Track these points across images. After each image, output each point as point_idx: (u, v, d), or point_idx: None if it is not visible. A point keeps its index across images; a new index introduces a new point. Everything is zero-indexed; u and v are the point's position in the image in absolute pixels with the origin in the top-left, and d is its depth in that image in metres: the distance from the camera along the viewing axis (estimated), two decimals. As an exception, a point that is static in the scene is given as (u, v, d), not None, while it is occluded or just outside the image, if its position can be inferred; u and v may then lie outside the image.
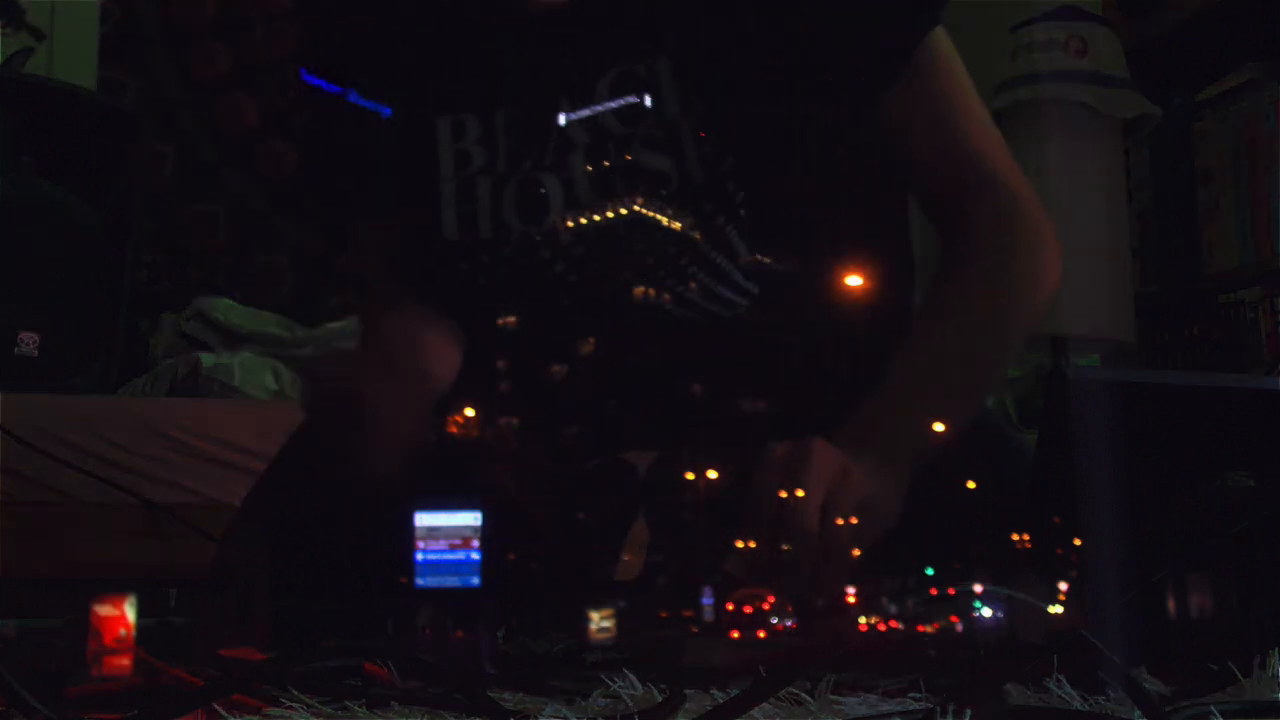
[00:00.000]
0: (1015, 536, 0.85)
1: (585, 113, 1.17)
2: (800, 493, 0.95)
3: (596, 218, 1.16)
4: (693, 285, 1.20)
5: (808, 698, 0.68)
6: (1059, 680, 0.72)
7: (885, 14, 1.18)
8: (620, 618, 0.88)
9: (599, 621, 0.87)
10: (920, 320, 1.19)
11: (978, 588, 0.84)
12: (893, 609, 0.90)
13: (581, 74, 1.17)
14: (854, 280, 1.20)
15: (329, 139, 1.33)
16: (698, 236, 1.19)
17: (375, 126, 1.23)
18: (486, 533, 0.91)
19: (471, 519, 0.92)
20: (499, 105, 1.19)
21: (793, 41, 1.15)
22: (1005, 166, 1.20)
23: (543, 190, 1.17)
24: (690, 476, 1.04)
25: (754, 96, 1.15)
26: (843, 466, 0.98)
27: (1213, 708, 0.64)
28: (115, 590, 0.78)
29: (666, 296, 1.21)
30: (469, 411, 1.16)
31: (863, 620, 0.90)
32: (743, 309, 1.17)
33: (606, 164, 1.16)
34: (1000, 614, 0.84)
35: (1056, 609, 0.81)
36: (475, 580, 0.91)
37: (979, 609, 0.85)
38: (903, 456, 1.06)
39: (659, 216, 1.17)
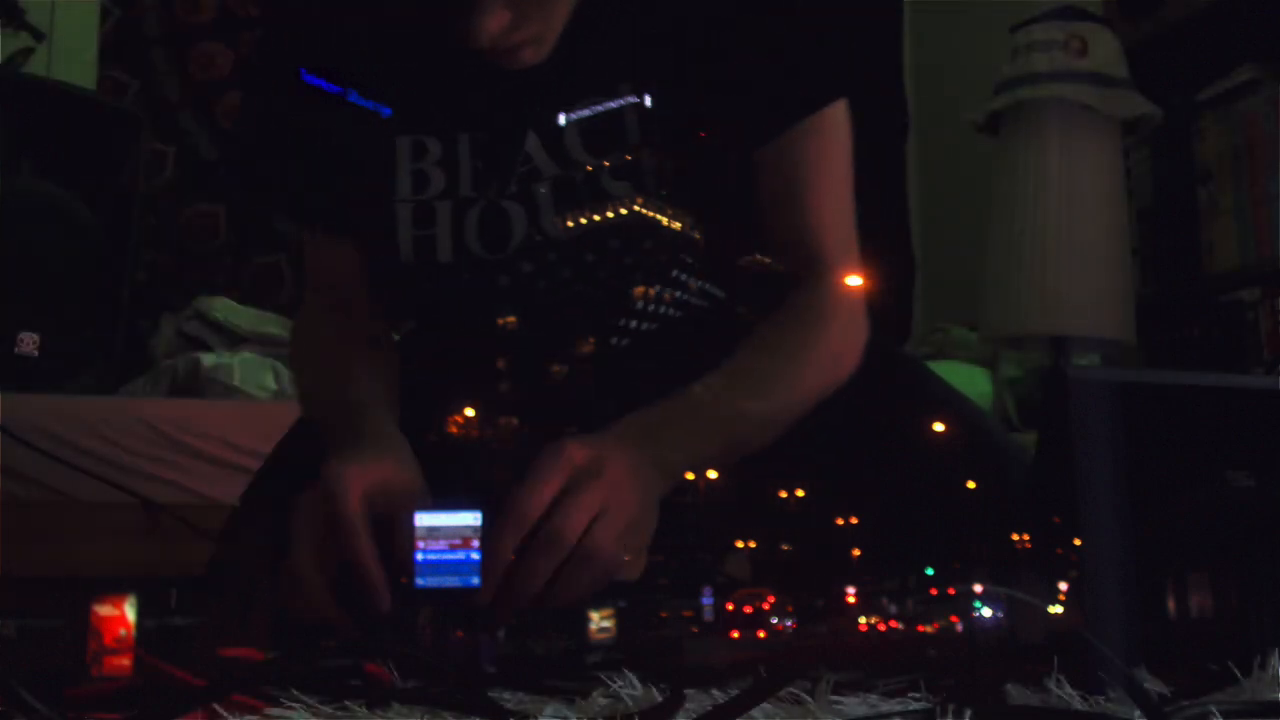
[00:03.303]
0: (1015, 536, 0.85)
1: (586, 112, 1.16)
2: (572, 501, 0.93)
3: (596, 218, 1.16)
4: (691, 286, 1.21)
5: (808, 698, 0.68)
6: (1059, 680, 0.72)
7: (790, 73, 1.18)
8: (620, 618, 0.88)
9: (599, 621, 0.88)
10: (739, 357, 1.15)
11: (978, 588, 0.84)
12: (893, 609, 0.90)
13: (549, 107, 1.17)
14: (854, 280, 1.20)
15: (287, 138, 1.31)
16: (697, 236, 1.19)
17: (336, 137, 1.22)
18: (486, 533, 0.91)
19: (471, 519, 0.92)
20: (463, 129, 1.19)
21: (714, 83, 1.16)
22: (841, 263, 1.21)
23: (508, 218, 1.17)
24: (690, 476, 1.04)
25: (705, 134, 1.17)
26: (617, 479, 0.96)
27: (1213, 708, 0.64)
28: (115, 590, 0.78)
29: (667, 296, 1.21)
30: (469, 411, 1.16)
31: (863, 620, 0.90)
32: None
33: (573, 192, 1.16)
34: (1000, 614, 0.84)
35: (1056, 609, 0.81)
36: (475, 580, 0.91)
37: (979, 609, 0.85)
38: (668, 473, 1.03)
39: (659, 216, 1.17)
